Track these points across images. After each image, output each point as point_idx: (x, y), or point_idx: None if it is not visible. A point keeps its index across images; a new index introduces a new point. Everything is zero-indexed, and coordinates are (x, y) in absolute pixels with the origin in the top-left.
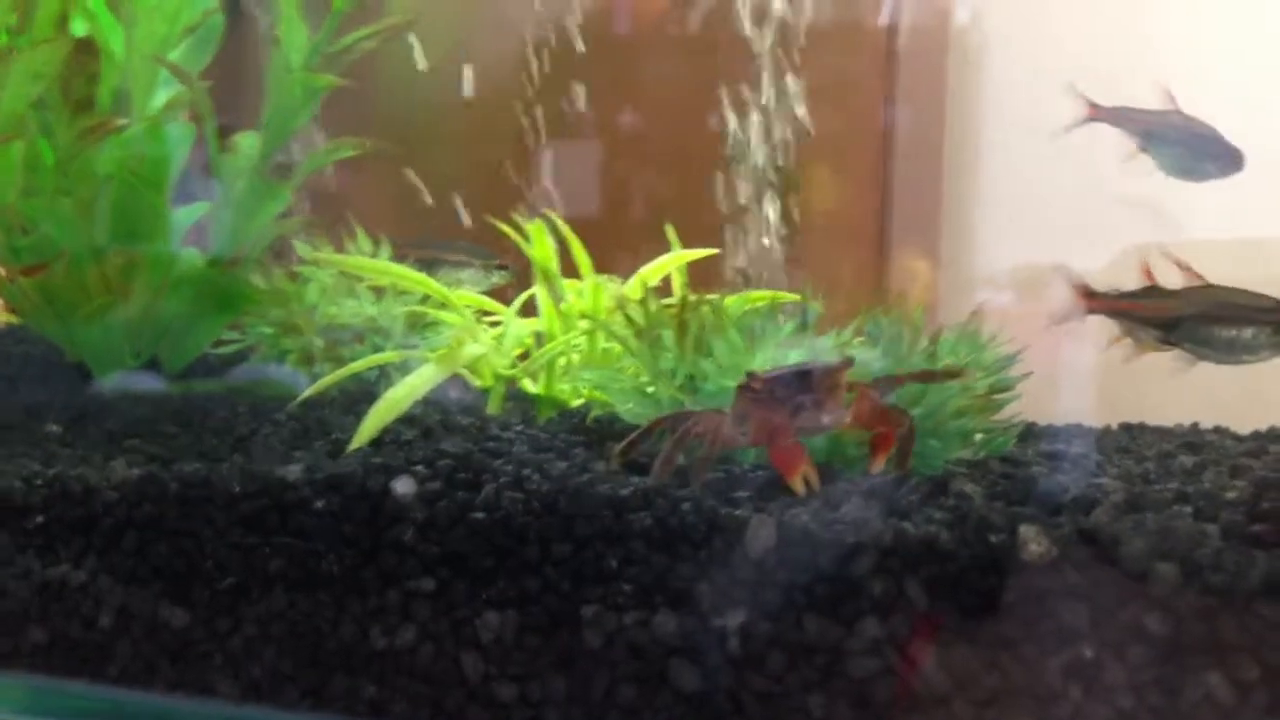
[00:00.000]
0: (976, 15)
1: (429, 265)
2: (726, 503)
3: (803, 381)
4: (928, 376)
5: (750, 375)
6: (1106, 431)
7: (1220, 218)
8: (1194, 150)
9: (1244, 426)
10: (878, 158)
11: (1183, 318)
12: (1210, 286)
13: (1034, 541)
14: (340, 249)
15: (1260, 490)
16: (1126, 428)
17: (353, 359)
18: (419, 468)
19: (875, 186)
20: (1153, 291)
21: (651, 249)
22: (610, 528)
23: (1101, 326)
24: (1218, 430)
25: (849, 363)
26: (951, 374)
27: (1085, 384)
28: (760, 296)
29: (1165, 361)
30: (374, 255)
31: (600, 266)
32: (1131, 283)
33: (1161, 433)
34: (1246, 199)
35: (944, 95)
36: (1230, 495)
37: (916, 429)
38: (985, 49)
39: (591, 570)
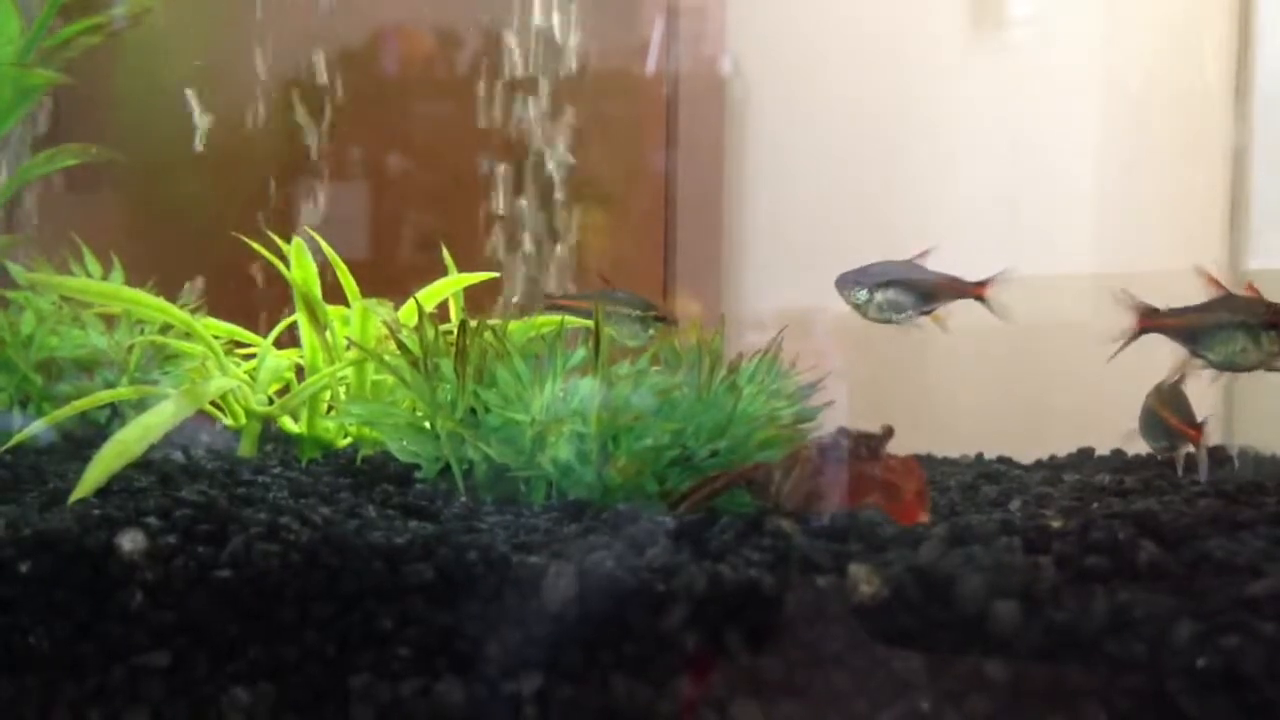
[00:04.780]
0: (738, 64)
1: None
2: (519, 548)
3: (870, 442)
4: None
5: (842, 430)
6: None
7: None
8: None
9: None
10: (658, 202)
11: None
12: (1231, 296)
13: (865, 581)
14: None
15: (1088, 521)
16: (915, 459)
17: (78, 397)
18: (151, 519)
19: (657, 230)
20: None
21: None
22: (383, 582)
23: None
24: (1003, 460)
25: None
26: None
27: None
28: (547, 322)
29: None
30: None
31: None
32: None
33: (951, 463)
34: (1001, 241)
35: (721, 141)
36: (1055, 525)
37: (722, 463)
38: (749, 98)
39: (361, 633)
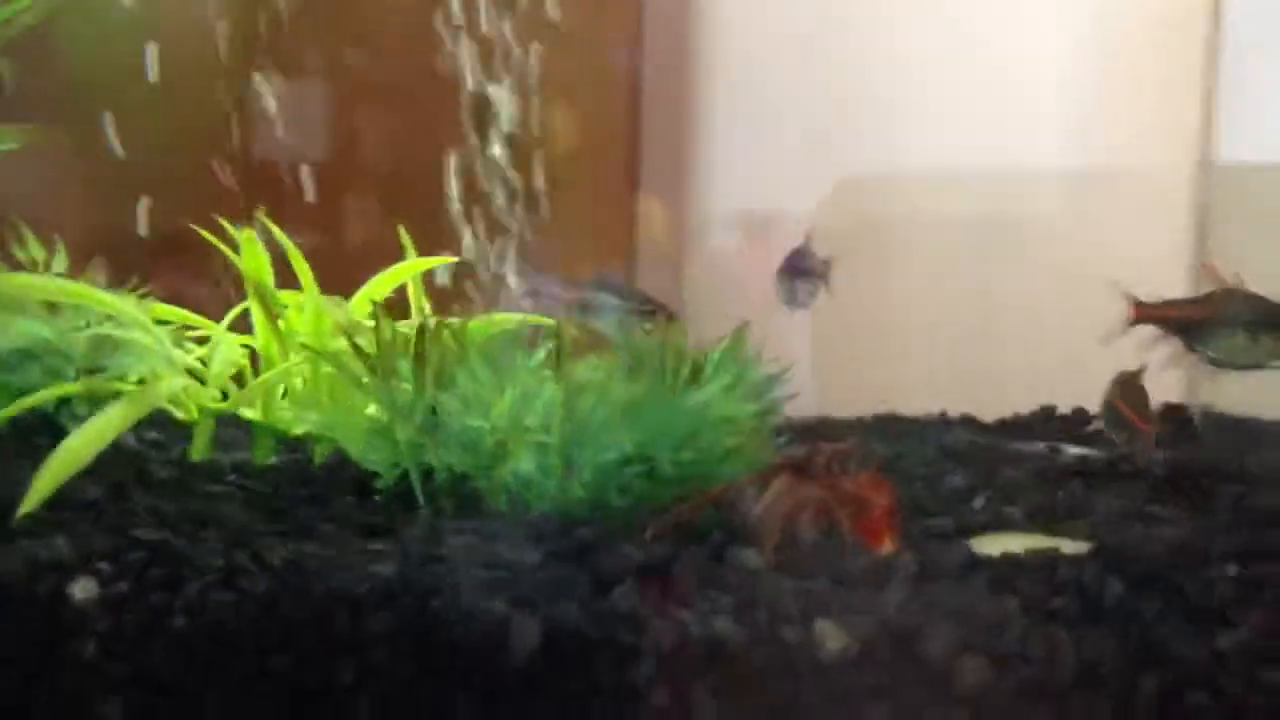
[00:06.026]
0: None
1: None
2: (489, 590)
3: (842, 459)
4: None
5: (817, 447)
6: (860, 425)
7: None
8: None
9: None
10: (626, 106)
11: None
12: (1231, 290)
13: (832, 638)
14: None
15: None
16: (880, 420)
17: (23, 388)
18: (103, 565)
19: (625, 133)
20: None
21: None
22: (344, 632)
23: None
24: (966, 420)
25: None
26: None
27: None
28: (506, 319)
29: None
30: (48, 263)
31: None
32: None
33: (914, 426)
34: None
35: (688, 40)
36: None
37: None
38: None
39: (320, 687)
